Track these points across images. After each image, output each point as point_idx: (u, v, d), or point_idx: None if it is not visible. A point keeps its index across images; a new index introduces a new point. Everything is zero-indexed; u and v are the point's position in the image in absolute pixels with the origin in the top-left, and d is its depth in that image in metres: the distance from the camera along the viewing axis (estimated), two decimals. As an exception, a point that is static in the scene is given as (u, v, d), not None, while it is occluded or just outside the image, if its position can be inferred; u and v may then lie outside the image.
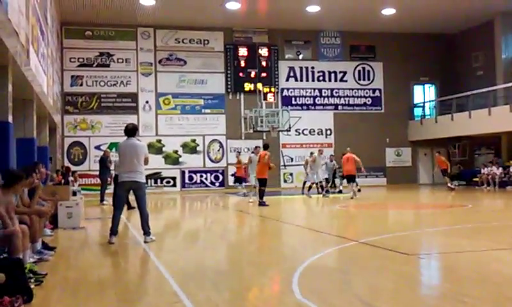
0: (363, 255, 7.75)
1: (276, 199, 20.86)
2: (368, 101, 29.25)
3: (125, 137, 9.31)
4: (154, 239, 9.10)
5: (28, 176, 7.80)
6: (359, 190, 20.66)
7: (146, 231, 9.11)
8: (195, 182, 26.25)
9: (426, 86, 30.38)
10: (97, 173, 19.92)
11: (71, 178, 17.83)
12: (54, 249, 8.21)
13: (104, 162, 18.92)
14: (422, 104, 30.08)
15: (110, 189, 19.08)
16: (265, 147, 17.50)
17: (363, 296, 5.36)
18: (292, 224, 12.30)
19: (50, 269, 6.72)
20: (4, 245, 6.03)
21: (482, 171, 25.16)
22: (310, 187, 21.42)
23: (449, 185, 22.86)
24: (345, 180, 20.81)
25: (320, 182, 21.11)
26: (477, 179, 25.43)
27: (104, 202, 18.18)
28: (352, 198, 18.96)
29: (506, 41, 26.01)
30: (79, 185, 19.68)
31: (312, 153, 21.83)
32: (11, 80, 9.72)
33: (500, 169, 24.22)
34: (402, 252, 7.52)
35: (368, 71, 29.35)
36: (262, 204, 16.72)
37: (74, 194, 13.08)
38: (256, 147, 19.62)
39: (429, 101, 30.01)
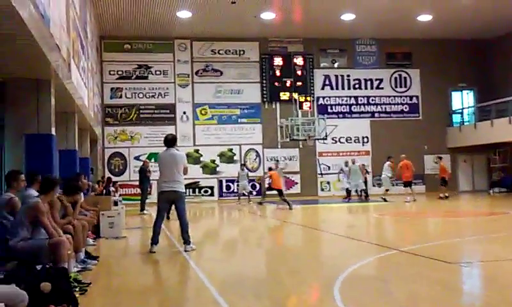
0: (404, 264, 7.69)
1: (314, 208, 20.82)
2: (406, 108, 28.93)
3: (165, 148, 9.47)
4: (194, 248, 9.20)
5: (73, 194, 8.05)
6: (414, 200, 21.17)
7: (186, 240, 9.21)
8: (232, 191, 26.34)
9: (464, 92, 29.86)
10: (137, 183, 20.26)
11: (112, 188, 18.16)
12: (97, 258, 8.38)
13: (143, 172, 19.24)
14: (460, 110, 29.58)
15: (150, 199, 19.53)
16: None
17: (405, 305, 5.33)
18: (330, 233, 12.26)
19: (93, 278, 6.87)
20: (50, 254, 6.19)
21: (525, 177, 24.63)
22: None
23: (441, 195, 21.90)
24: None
25: (363, 190, 21.44)
26: (519, 186, 24.88)
27: (145, 211, 18.42)
28: (411, 201, 20.58)
29: (546, 44, 25.43)
30: (120, 195, 20.01)
31: (347, 163, 23.45)
32: (54, 93, 9.98)
33: (543, 175, 23.65)
34: (443, 261, 7.43)
35: (405, 78, 29.03)
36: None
37: (115, 204, 13.30)
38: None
39: (468, 107, 29.49)
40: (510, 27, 26.35)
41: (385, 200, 21.01)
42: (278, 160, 25.71)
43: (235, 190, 25.59)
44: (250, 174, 26.63)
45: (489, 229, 11.93)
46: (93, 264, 7.93)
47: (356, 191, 23.03)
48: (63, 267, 5.94)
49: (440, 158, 22.97)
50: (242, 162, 25.85)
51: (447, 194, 21.51)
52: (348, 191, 23.08)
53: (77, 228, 7.47)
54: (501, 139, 25.21)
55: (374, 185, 26.92)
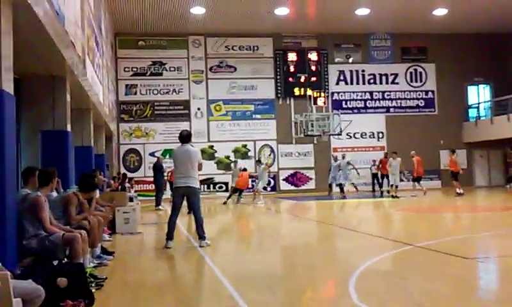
0: (420, 259, 7.64)
1: (329, 203, 20.77)
2: (421, 103, 28.74)
3: (179, 144, 9.50)
4: (209, 243, 9.22)
5: (89, 191, 8.10)
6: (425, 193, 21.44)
7: (201, 236, 9.23)
8: (247, 187, 26.33)
9: (480, 86, 29.58)
10: (152, 179, 20.36)
11: (127, 185, 18.25)
12: (112, 253, 8.43)
13: (158, 168, 19.35)
14: (476, 105, 29.31)
15: (165, 194, 19.68)
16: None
17: (421, 301, 5.29)
18: (344, 228, 12.22)
19: (109, 273, 6.91)
20: (64, 250, 6.23)
21: (542, 172, 24.37)
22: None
23: (458, 190, 20.99)
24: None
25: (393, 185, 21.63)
26: (536, 181, 24.63)
27: (160, 207, 18.52)
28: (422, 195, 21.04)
29: None
30: (135, 191, 20.11)
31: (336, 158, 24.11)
32: (69, 90, 10.03)
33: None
34: (459, 256, 7.37)
35: (421, 72, 28.83)
36: None
37: (131, 199, 13.38)
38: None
39: (484, 102, 29.21)
40: (527, 20, 26.06)
41: (397, 197, 20.76)
42: (259, 160, 25.18)
43: (249, 186, 25.54)
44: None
45: (506, 224, 11.81)
46: (109, 259, 7.98)
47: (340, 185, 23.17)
48: (79, 263, 5.98)
49: (453, 151, 22.30)
50: (257, 159, 25.71)
51: (461, 191, 20.89)
52: (341, 186, 23.10)
53: (93, 224, 7.50)
54: (518, 134, 24.94)
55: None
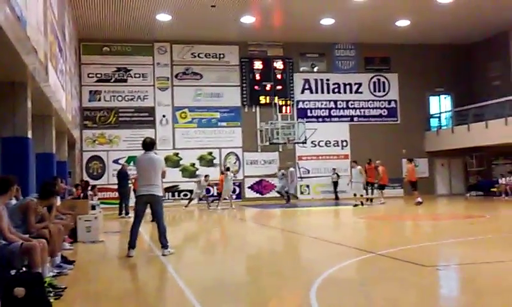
0: (381, 267, 7.74)
1: (293, 211, 20.88)
2: (384, 112, 29.19)
3: (143, 151, 9.44)
4: (172, 252, 9.17)
5: (48, 198, 7.97)
6: (369, 203, 21.37)
7: (164, 244, 9.18)
8: (212, 195, 26.25)
9: (442, 96, 30.21)
10: (116, 186, 20.13)
11: (90, 192, 18.00)
12: (73, 262, 8.30)
13: (123, 175, 19.16)
14: (438, 115, 29.93)
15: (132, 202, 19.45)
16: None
17: (381, 308, 5.36)
18: (309, 236, 12.30)
19: (69, 283, 6.80)
20: (23, 259, 6.12)
21: (500, 181, 24.99)
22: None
23: (419, 199, 20.80)
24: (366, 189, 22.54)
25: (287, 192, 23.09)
26: (495, 189, 25.24)
27: (130, 215, 18.30)
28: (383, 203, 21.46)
29: (522, 50, 25.87)
30: (98, 198, 19.86)
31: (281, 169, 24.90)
32: (31, 96, 9.88)
33: (519, 179, 24.03)
34: (420, 264, 7.50)
35: (384, 82, 29.30)
36: None
37: (93, 207, 13.20)
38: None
39: (445, 111, 29.84)
40: (487, 33, 26.80)
41: (362, 204, 21.07)
42: (228, 168, 25.36)
43: (214, 194, 25.53)
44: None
45: (466, 233, 12.06)
46: (69, 269, 7.85)
47: (287, 192, 24.39)
48: (37, 272, 5.87)
49: (411, 160, 22.21)
50: (226, 166, 25.61)
51: (421, 200, 20.83)
52: (288, 195, 24.34)
53: (53, 232, 7.38)
54: (478, 144, 25.56)
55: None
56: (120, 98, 26.14)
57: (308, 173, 27.77)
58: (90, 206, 12.78)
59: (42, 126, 13.19)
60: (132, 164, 23.12)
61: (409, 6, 22.80)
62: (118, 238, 12.69)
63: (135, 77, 26.41)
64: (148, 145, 9.41)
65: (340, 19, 24.36)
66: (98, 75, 25.99)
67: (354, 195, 21.79)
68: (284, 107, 26.25)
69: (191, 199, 23.38)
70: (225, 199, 23.41)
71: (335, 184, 27.13)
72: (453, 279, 7.07)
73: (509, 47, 26.27)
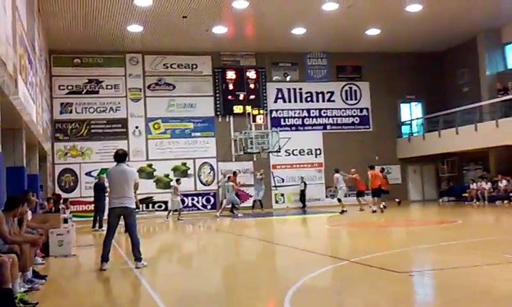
0: (355, 274, 7.79)
1: (268, 220, 20.90)
2: (356, 120, 29.45)
3: (115, 163, 9.36)
4: (146, 264, 9.10)
5: (18, 206, 7.83)
6: (344, 211, 21.23)
7: (138, 257, 9.11)
8: (187, 206, 26.12)
9: (413, 103, 30.63)
10: (89, 199, 19.89)
11: (62, 206, 17.78)
12: (45, 277, 8.18)
13: (101, 187, 18.90)
14: (409, 122, 30.32)
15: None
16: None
17: (354, 315, 5.40)
18: (284, 245, 12.32)
19: (40, 298, 6.71)
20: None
21: (471, 186, 25.38)
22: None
23: (373, 207, 21.04)
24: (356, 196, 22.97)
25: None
26: (466, 194, 25.61)
27: (104, 228, 18.08)
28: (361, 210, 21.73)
29: (490, 57, 26.34)
30: (71, 212, 19.61)
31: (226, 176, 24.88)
32: (0, 109, 9.73)
33: (489, 184, 24.43)
34: (393, 270, 7.56)
35: (355, 90, 29.58)
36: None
37: (65, 221, 13.04)
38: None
39: (416, 118, 30.24)
40: (455, 40, 27.29)
41: (343, 212, 21.08)
42: (229, 177, 25.38)
43: (189, 205, 25.42)
44: (204, 187, 26.73)
45: (439, 238, 12.22)
46: (41, 283, 7.74)
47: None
48: (7, 288, 5.77)
49: (372, 168, 21.97)
50: (227, 175, 25.07)
51: (375, 208, 20.89)
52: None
53: (24, 247, 7.27)
54: (448, 149, 25.96)
55: (327, 196, 27.51)
56: (91, 110, 25.89)
57: (283, 181, 27.83)
58: (62, 220, 12.63)
59: (12, 140, 12.98)
60: (105, 176, 22.95)
61: (379, 15, 23.10)
62: (91, 252, 12.54)
63: (107, 89, 26.20)
64: (121, 157, 9.34)
65: (311, 29, 24.55)
66: (69, 87, 25.73)
67: (339, 200, 21.75)
68: (257, 117, 26.27)
69: (169, 211, 23.12)
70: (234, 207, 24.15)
71: (302, 192, 27.27)
72: (427, 285, 7.15)
73: (477, 53, 26.77)
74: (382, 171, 23.15)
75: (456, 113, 25.44)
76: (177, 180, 22.90)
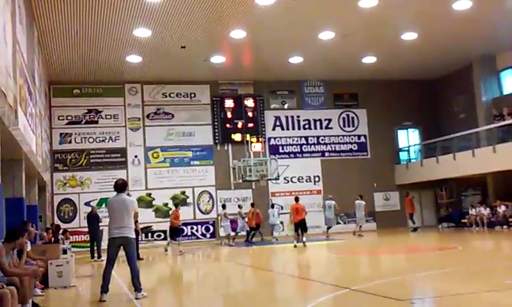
0: (356, 303, 7.77)
1: (268, 248, 20.81)
2: (354, 147, 29.55)
3: (115, 193, 9.39)
4: (146, 295, 9.06)
5: (18, 237, 7.84)
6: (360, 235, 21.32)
7: (137, 287, 9.07)
8: (186, 234, 26.05)
9: (410, 130, 30.79)
10: (87, 229, 19.83)
11: (61, 236, 17.72)
12: (45, 309, 8.15)
13: (94, 217, 18.93)
14: (407, 148, 30.42)
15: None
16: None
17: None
18: (284, 274, 12.28)
19: (42, 330, 6.67)
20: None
21: (470, 212, 25.38)
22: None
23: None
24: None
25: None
26: (465, 220, 25.60)
27: (102, 258, 17.98)
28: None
29: (485, 83, 26.54)
30: (70, 242, 19.53)
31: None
32: (0, 140, 9.78)
33: (488, 209, 24.44)
34: (395, 298, 7.54)
35: (353, 118, 29.74)
36: None
37: (65, 252, 13.00)
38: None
39: (414, 145, 30.35)
40: (451, 67, 27.56)
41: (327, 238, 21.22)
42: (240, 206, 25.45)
43: (189, 234, 25.34)
44: (203, 216, 26.68)
45: (439, 265, 12.19)
46: (41, 316, 7.71)
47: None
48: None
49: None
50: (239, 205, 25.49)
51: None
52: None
53: (23, 279, 7.26)
54: (447, 175, 26.01)
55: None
56: (91, 140, 25.96)
57: (282, 209, 27.76)
58: (61, 251, 12.59)
59: (12, 171, 13.00)
60: (104, 205, 22.93)
61: (374, 43, 23.34)
62: (90, 282, 12.48)
63: (106, 118, 26.32)
64: (120, 187, 9.38)
65: (308, 57, 24.79)
66: (68, 117, 25.83)
67: (328, 228, 21.83)
68: (256, 144, 26.33)
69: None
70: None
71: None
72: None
73: (472, 81, 27.01)
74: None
75: (453, 139, 25.56)
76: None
